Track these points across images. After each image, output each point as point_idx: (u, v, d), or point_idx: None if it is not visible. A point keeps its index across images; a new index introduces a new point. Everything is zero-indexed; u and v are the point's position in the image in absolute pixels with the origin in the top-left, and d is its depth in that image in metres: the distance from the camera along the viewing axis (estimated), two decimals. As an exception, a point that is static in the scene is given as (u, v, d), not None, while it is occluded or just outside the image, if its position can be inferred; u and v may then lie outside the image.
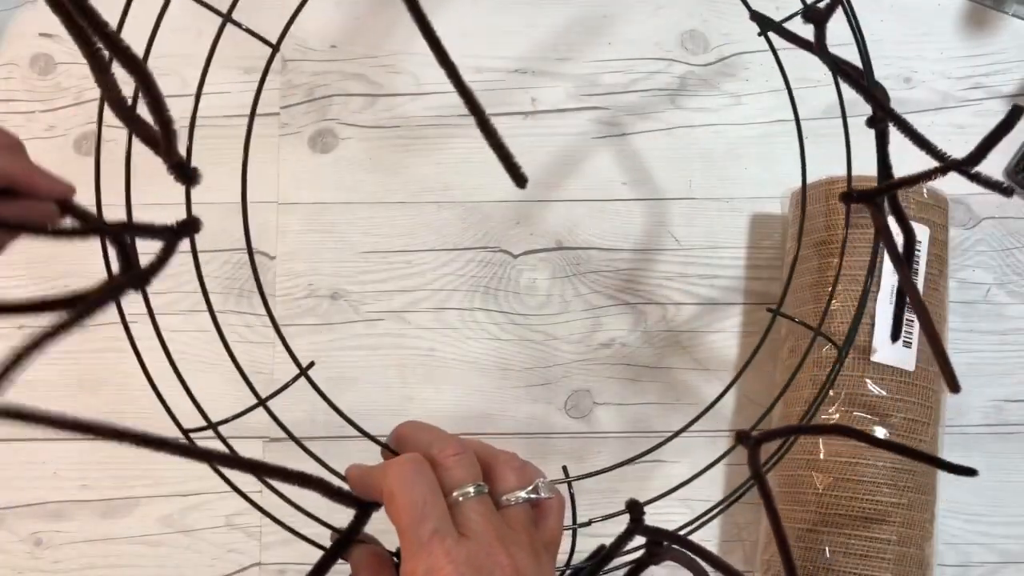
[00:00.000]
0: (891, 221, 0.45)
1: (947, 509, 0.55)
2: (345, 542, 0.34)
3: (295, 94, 0.61)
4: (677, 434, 0.46)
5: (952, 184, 0.49)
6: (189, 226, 0.35)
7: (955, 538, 0.57)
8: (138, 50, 0.29)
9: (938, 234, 0.53)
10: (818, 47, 0.41)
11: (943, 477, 0.53)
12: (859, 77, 0.40)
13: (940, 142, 0.47)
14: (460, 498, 0.32)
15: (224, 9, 0.42)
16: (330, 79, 0.62)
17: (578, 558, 0.40)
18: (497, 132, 0.29)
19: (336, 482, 0.33)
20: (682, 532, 0.37)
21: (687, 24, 0.62)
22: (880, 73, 0.49)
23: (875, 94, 0.40)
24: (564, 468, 0.43)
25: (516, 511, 0.33)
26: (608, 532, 0.41)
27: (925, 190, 0.52)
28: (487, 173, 0.61)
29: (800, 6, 0.42)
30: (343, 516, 0.34)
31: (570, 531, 0.41)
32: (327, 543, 0.37)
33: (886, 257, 0.51)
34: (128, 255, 0.35)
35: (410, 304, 0.59)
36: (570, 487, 0.42)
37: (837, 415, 0.50)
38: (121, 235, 0.35)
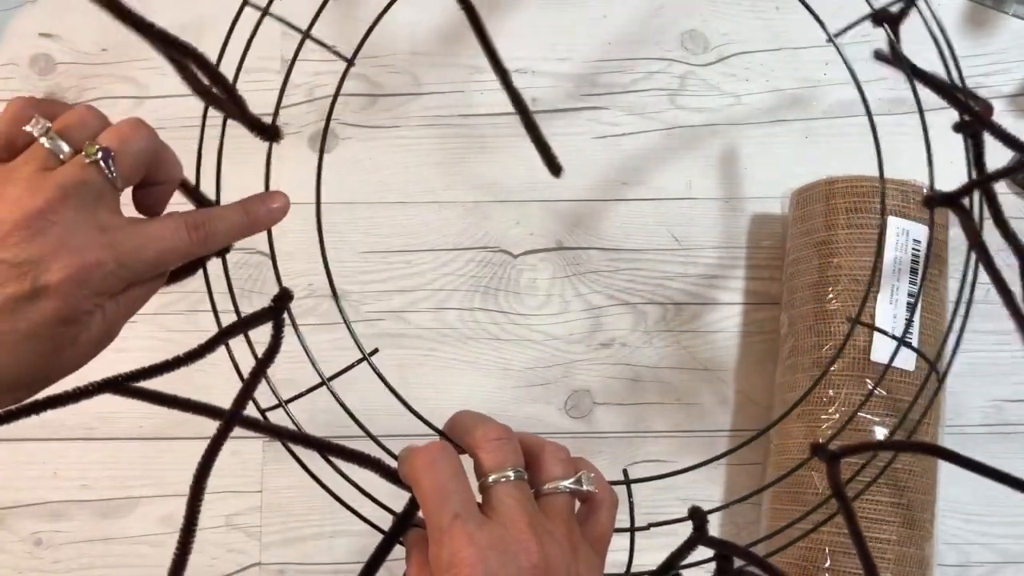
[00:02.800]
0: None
1: (947, 509, 0.55)
2: (401, 525, 0.34)
3: (295, 94, 0.61)
4: (765, 430, 0.44)
5: (953, 184, 0.49)
6: (284, 298, 0.40)
7: (955, 538, 0.57)
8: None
9: (938, 234, 0.53)
10: (892, 51, 0.38)
11: (943, 477, 0.53)
12: (939, 81, 0.38)
13: (941, 141, 0.47)
14: (496, 482, 0.32)
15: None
16: (331, 79, 0.62)
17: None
18: (538, 126, 0.30)
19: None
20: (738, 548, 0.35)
21: (687, 24, 0.62)
22: (880, 72, 0.49)
23: (962, 98, 0.37)
24: (624, 471, 0.42)
25: (556, 501, 0.33)
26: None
27: (926, 190, 0.52)
28: (487, 173, 0.61)
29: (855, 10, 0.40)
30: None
31: (628, 535, 0.40)
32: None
33: (886, 257, 0.51)
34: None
35: (410, 304, 0.59)
36: (629, 489, 0.41)
37: (837, 415, 0.50)
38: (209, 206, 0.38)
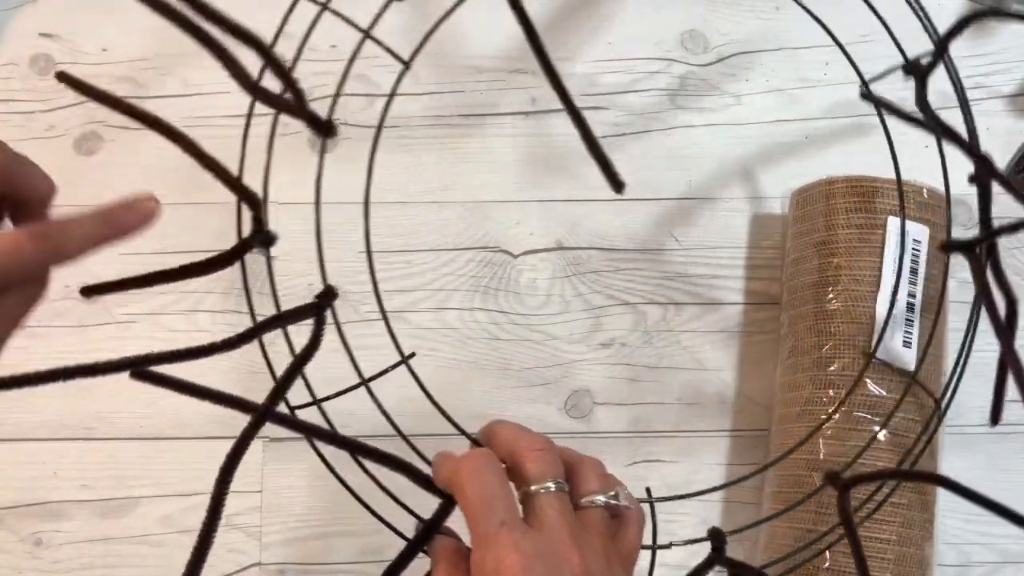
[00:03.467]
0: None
1: (947, 509, 0.55)
2: (429, 532, 0.34)
3: (295, 94, 0.61)
4: (768, 466, 0.45)
5: (953, 184, 0.49)
6: (328, 295, 0.39)
7: (955, 538, 0.56)
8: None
9: (938, 234, 0.53)
10: (920, 103, 0.41)
11: (943, 477, 0.53)
12: (953, 135, 0.41)
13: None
14: (538, 491, 0.32)
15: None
16: (330, 79, 0.62)
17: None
18: (597, 140, 0.30)
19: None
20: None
21: (687, 24, 0.62)
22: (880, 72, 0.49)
23: (979, 153, 0.40)
24: (648, 489, 0.43)
25: (593, 514, 0.33)
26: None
27: (925, 190, 0.52)
28: (487, 173, 0.61)
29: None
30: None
31: (649, 551, 0.41)
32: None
33: (885, 256, 0.51)
34: (260, 220, 0.37)
35: (410, 304, 0.59)
36: (652, 507, 0.42)
37: (837, 415, 0.50)
38: (256, 200, 0.37)
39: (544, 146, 0.61)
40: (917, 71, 0.41)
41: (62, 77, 0.32)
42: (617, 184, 0.31)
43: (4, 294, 0.33)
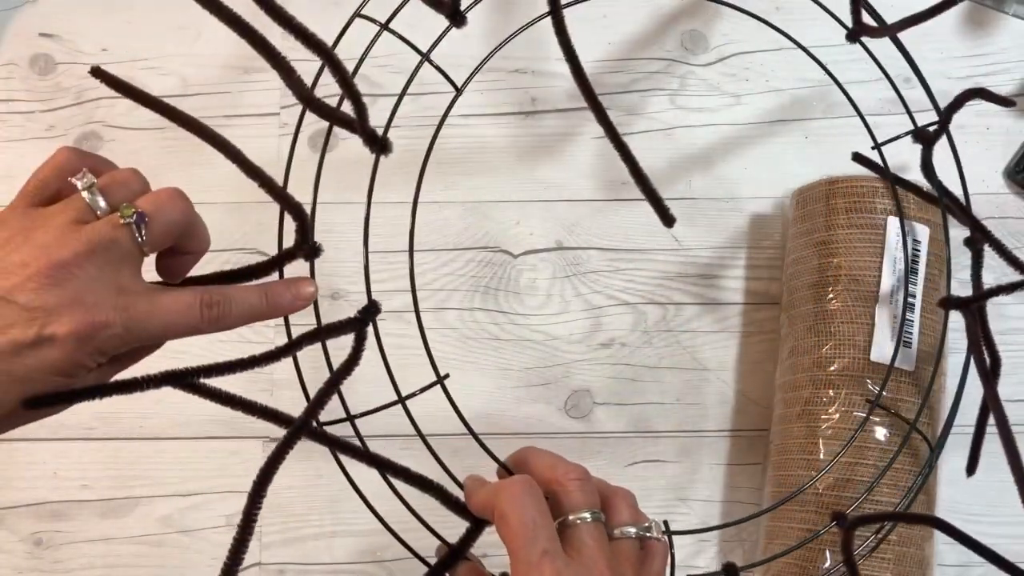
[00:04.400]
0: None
1: (947, 509, 0.55)
2: (456, 555, 0.34)
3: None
4: (765, 511, 0.46)
5: (953, 184, 0.49)
6: (371, 310, 0.39)
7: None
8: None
9: (938, 234, 0.53)
10: (925, 168, 0.44)
11: (943, 477, 0.53)
12: (948, 199, 0.47)
13: (940, 141, 0.47)
14: (576, 521, 0.33)
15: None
16: (330, 79, 0.61)
17: None
18: (647, 176, 0.31)
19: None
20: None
21: (687, 24, 0.62)
22: (879, 73, 0.49)
23: (976, 220, 0.45)
24: (665, 522, 0.43)
25: (626, 545, 0.34)
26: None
27: (926, 190, 0.52)
28: (487, 173, 0.61)
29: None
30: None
31: None
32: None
33: (884, 258, 0.51)
34: (305, 231, 0.37)
35: (410, 304, 0.59)
36: (670, 540, 0.42)
37: (837, 415, 0.50)
38: (302, 211, 0.37)
39: (544, 146, 0.61)
40: (924, 138, 0.44)
41: (97, 73, 0.33)
42: (668, 219, 0.31)
43: (141, 350, 0.33)
